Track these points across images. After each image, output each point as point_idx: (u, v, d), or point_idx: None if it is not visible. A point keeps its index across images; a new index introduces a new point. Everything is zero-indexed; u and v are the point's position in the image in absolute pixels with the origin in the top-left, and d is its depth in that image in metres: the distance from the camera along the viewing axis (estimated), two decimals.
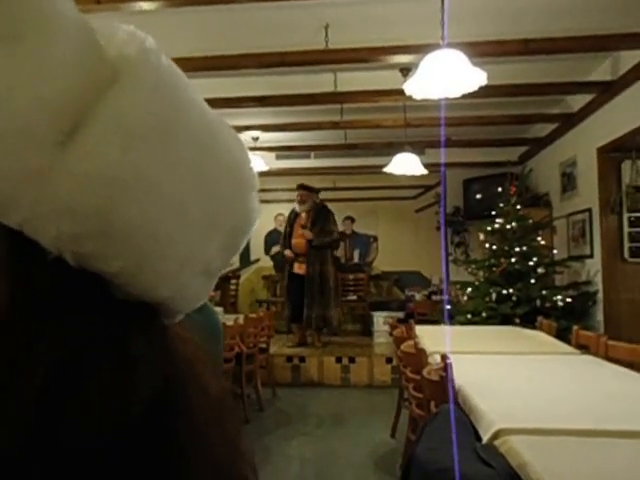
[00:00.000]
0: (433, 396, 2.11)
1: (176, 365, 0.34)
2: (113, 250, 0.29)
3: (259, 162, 5.76)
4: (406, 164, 4.80)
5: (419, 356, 2.52)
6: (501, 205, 5.42)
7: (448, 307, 5.78)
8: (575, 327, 3.21)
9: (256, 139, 6.20)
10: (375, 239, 9.25)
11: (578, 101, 4.98)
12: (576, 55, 4.01)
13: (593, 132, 4.86)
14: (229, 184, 0.35)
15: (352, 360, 5.69)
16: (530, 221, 5.28)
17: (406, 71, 4.21)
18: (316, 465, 3.44)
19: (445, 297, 6.82)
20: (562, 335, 3.41)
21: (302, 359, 5.73)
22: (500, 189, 5.62)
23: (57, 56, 0.28)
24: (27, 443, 0.27)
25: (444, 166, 6.62)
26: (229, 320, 4.23)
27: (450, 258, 7.13)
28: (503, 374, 2.31)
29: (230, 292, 7.94)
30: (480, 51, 3.50)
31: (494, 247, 5.30)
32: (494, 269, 5.17)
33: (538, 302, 4.83)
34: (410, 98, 2.88)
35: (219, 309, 5.37)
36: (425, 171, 4.91)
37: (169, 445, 0.31)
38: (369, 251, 9.00)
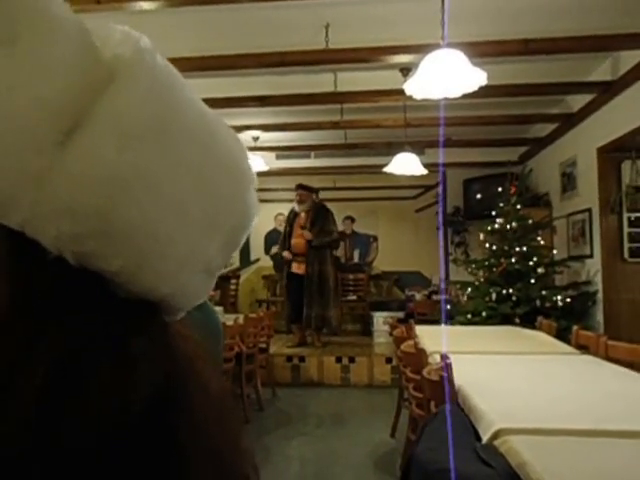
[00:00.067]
0: (433, 396, 2.11)
1: (177, 362, 0.34)
2: (113, 249, 0.29)
3: (259, 162, 5.76)
4: (406, 164, 4.80)
5: (419, 356, 2.52)
6: (501, 205, 5.42)
7: (447, 307, 5.78)
8: (575, 327, 3.21)
9: (256, 139, 6.20)
10: (375, 239, 9.25)
11: (578, 101, 4.98)
12: (576, 55, 4.01)
13: (593, 132, 4.86)
14: (228, 182, 0.35)
15: (352, 360, 5.69)
16: (530, 221, 5.28)
17: (406, 71, 4.22)
18: (316, 465, 3.44)
19: (443, 297, 6.82)
20: (562, 335, 3.41)
21: (302, 359, 5.73)
22: (500, 189, 5.62)
23: (55, 57, 0.28)
24: (28, 443, 0.27)
25: (444, 166, 6.62)
26: (229, 320, 4.23)
27: (450, 258, 7.13)
28: (503, 374, 2.31)
29: (230, 292, 7.94)
30: (480, 51, 3.50)
31: (494, 247, 5.30)
32: (494, 269, 5.17)
33: (538, 302, 4.83)
34: (410, 98, 2.88)
35: (219, 309, 5.37)
36: (425, 171, 4.91)
37: (170, 443, 0.31)
38: (369, 251, 9.00)
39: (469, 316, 5.09)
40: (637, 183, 4.56)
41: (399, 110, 4.81)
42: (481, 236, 5.60)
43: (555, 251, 5.53)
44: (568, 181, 5.53)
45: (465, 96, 2.76)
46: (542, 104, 5.38)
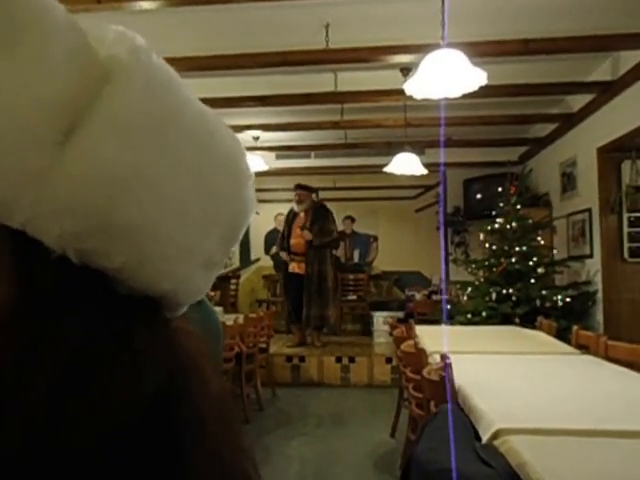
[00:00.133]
0: (433, 396, 2.11)
1: (179, 358, 0.34)
2: (115, 247, 0.30)
3: (259, 162, 5.76)
4: (406, 164, 4.80)
5: (419, 356, 2.52)
6: (501, 205, 5.42)
7: (447, 307, 5.78)
8: (575, 327, 3.21)
9: (256, 139, 6.20)
10: (375, 239, 9.25)
11: (578, 101, 4.98)
12: (576, 55, 4.01)
13: (593, 132, 4.86)
14: (226, 179, 0.35)
15: (352, 360, 5.69)
16: (530, 221, 5.28)
17: (406, 71, 4.22)
18: (316, 465, 3.44)
19: (443, 297, 6.82)
20: (562, 335, 3.41)
21: (302, 359, 5.73)
22: (500, 189, 5.62)
23: (53, 59, 0.28)
24: (36, 442, 0.27)
25: (444, 166, 6.62)
26: (229, 320, 4.23)
27: (450, 258, 7.13)
28: (503, 374, 2.31)
29: (230, 292, 7.94)
30: (480, 51, 3.50)
31: (494, 247, 5.30)
32: (494, 269, 5.17)
33: (538, 302, 4.83)
34: (410, 98, 2.88)
35: (219, 309, 5.37)
36: (425, 171, 4.91)
37: (174, 439, 0.32)
38: (369, 251, 8.99)
39: (469, 316, 5.09)
40: (637, 183, 4.56)
41: (399, 110, 4.81)
42: (481, 236, 5.61)
43: (555, 251, 5.53)
44: (568, 181, 5.53)
45: (465, 96, 2.76)
46: (542, 104, 5.38)
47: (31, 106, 0.27)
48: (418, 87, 2.70)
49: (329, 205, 6.46)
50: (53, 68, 0.28)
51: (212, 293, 6.02)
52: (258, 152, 6.08)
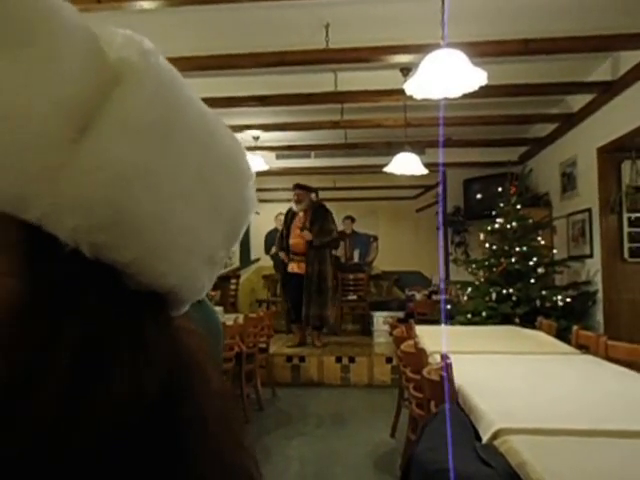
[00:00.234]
0: (433, 396, 2.11)
1: (182, 357, 0.35)
2: (126, 240, 0.31)
3: (259, 161, 5.76)
4: (406, 164, 4.80)
5: (419, 356, 2.52)
6: (501, 205, 5.42)
7: (447, 307, 5.78)
8: (575, 327, 3.21)
9: (256, 138, 6.20)
10: (375, 239, 9.25)
11: (578, 101, 4.98)
12: (576, 55, 4.01)
13: (593, 132, 4.86)
14: (227, 178, 0.37)
15: (352, 360, 5.69)
16: (530, 221, 5.28)
17: (406, 71, 4.22)
18: (316, 465, 3.44)
19: (443, 297, 6.82)
20: (562, 335, 3.41)
21: (302, 359, 5.73)
22: (500, 189, 5.62)
23: (68, 60, 0.29)
24: (45, 443, 0.28)
25: (444, 166, 6.63)
26: (229, 320, 4.23)
27: (450, 258, 7.13)
28: (503, 374, 2.31)
29: (230, 292, 7.94)
30: (480, 51, 3.50)
31: (494, 247, 5.30)
32: (494, 269, 5.17)
33: (538, 302, 4.83)
34: (410, 98, 2.88)
35: (219, 309, 5.38)
36: (425, 171, 4.91)
37: (176, 438, 0.32)
38: (369, 251, 8.99)
39: (469, 316, 5.09)
40: (637, 183, 4.56)
41: (399, 110, 4.81)
42: (481, 236, 5.61)
43: (555, 251, 5.53)
44: (568, 181, 5.53)
45: (465, 96, 2.76)
46: (542, 104, 5.38)
47: (48, 105, 0.28)
48: (418, 87, 2.70)
49: (329, 205, 6.46)
50: (68, 70, 0.29)
51: (212, 293, 6.03)
52: (258, 152, 6.09)
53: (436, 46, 2.64)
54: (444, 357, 1.99)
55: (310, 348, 6.08)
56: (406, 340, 3.09)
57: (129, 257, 0.31)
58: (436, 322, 5.32)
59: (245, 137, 5.97)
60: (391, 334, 4.04)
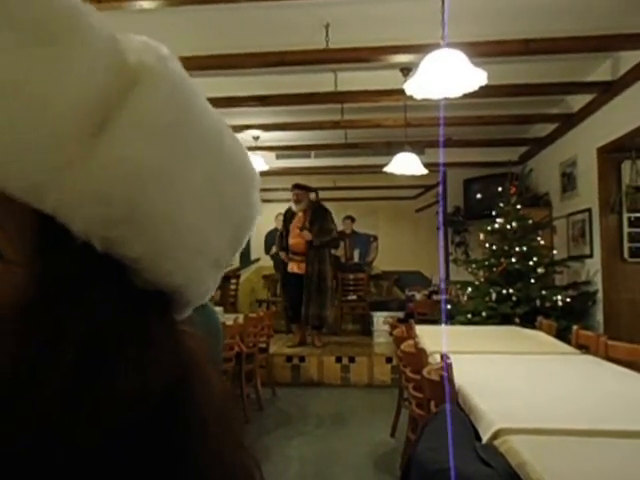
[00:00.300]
0: (433, 396, 2.11)
1: (184, 358, 0.35)
2: (137, 236, 0.31)
3: (259, 161, 5.76)
4: (406, 164, 4.80)
5: (419, 356, 2.52)
6: (501, 205, 5.42)
7: (447, 307, 5.78)
8: (575, 327, 3.21)
9: (256, 138, 6.20)
10: (375, 239, 9.25)
11: (578, 101, 4.98)
12: (576, 55, 4.01)
13: (593, 132, 4.86)
14: (236, 183, 0.38)
15: (352, 360, 5.69)
16: (530, 221, 5.28)
17: (406, 71, 4.22)
18: (316, 465, 3.44)
19: (443, 297, 6.82)
20: (562, 335, 3.41)
21: (302, 359, 5.73)
22: (500, 189, 5.61)
23: (91, 58, 0.31)
24: (48, 439, 0.28)
25: (444, 166, 6.62)
26: (229, 320, 4.23)
27: (450, 258, 7.13)
28: (503, 374, 2.31)
29: (230, 292, 7.94)
30: (480, 51, 3.50)
31: (494, 247, 5.30)
32: (494, 269, 5.17)
33: (538, 302, 4.83)
34: (410, 98, 2.88)
35: (219, 309, 5.37)
36: (425, 171, 4.91)
37: (178, 439, 0.33)
38: (369, 251, 8.99)
39: (469, 316, 5.09)
40: (637, 183, 4.56)
41: (399, 110, 4.81)
42: (481, 236, 5.60)
43: (555, 251, 5.53)
44: (568, 181, 5.53)
45: (465, 96, 2.76)
46: (542, 104, 5.38)
47: (73, 99, 0.29)
48: (418, 87, 2.70)
49: (329, 205, 6.46)
50: (91, 67, 0.30)
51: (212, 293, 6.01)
52: (258, 152, 6.08)
53: (436, 46, 2.63)
54: (444, 357, 1.99)
55: (310, 348, 6.08)
56: (406, 340, 3.08)
57: (138, 253, 0.32)
58: (436, 322, 5.32)
59: (245, 137, 5.97)
60: (391, 334, 4.04)
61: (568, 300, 4.84)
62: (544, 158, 6.25)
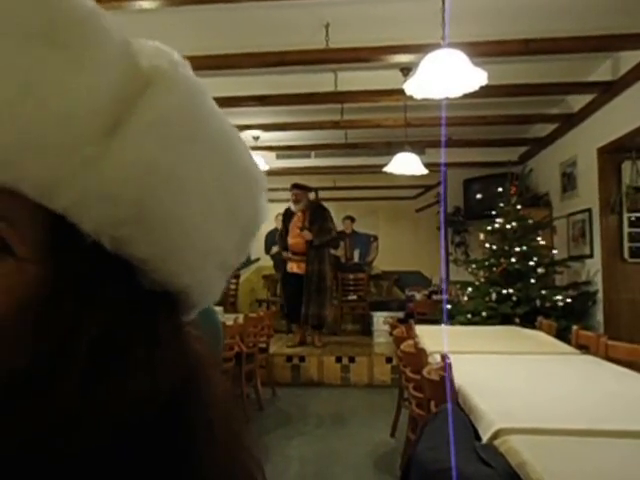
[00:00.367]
0: (433, 396, 2.11)
1: (189, 358, 0.36)
2: (147, 236, 0.32)
3: (259, 162, 5.74)
4: (406, 164, 4.80)
5: (419, 356, 2.52)
6: (501, 205, 5.42)
7: (447, 307, 5.78)
8: (575, 327, 3.21)
9: (257, 138, 6.20)
10: (375, 239, 9.24)
11: (578, 101, 4.98)
12: (577, 55, 4.01)
13: (593, 132, 4.86)
14: (244, 187, 0.38)
15: (352, 360, 5.69)
16: (530, 221, 5.28)
17: (406, 71, 4.21)
18: (316, 465, 3.44)
19: (444, 297, 6.82)
20: (562, 335, 3.41)
21: (302, 359, 5.73)
22: (500, 189, 5.61)
23: (107, 60, 0.31)
24: (64, 434, 0.29)
25: (444, 166, 6.62)
26: (229, 320, 4.23)
27: (450, 258, 7.13)
28: (503, 374, 2.31)
29: (230, 292, 7.94)
30: (480, 51, 3.49)
31: (494, 247, 5.30)
32: (494, 269, 5.17)
33: (538, 302, 4.83)
34: (410, 98, 2.88)
35: (219, 309, 5.36)
36: (425, 171, 4.90)
37: (183, 440, 0.33)
38: (369, 251, 8.99)
39: (469, 316, 5.08)
40: (637, 183, 4.56)
41: (399, 110, 4.80)
42: (481, 236, 5.60)
43: (555, 251, 5.52)
44: (568, 181, 5.53)
45: (465, 96, 2.76)
46: (542, 104, 5.37)
47: (90, 100, 0.30)
48: (418, 87, 2.70)
49: (329, 205, 6.46)
50: (106, 68, 0.31)
51: None
52: (258, 152, 6.08)
53: (436, 46, 2.63)
54: (444, 357, 1.99)
55: (310, 348, 6.08)
56: (406, 340, 3.08)
57: (147, 253, 0.32)
58: (436, 322, 5.31)
59: (245, 137, 5.96)
60: (391, 334, 4.04)
61: (568, 300, 4.84)
62: (544, 158, 6.25)
